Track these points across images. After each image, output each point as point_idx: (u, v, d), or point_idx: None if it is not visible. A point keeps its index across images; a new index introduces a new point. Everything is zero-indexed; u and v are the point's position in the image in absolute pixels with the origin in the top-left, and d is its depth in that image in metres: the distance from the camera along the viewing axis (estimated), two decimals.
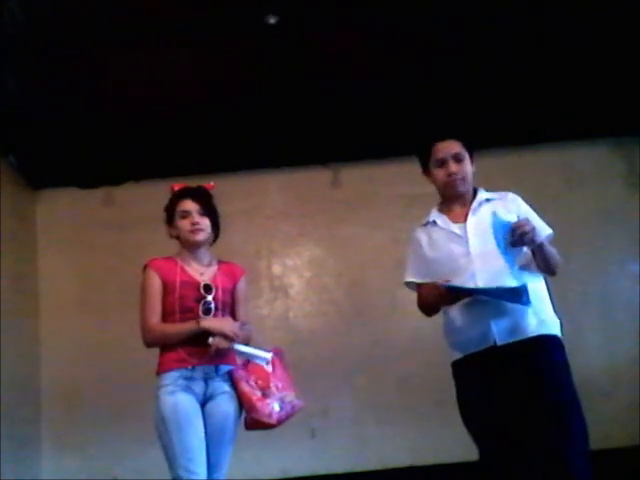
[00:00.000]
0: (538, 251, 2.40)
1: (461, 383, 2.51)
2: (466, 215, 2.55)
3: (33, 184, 5.33)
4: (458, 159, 2.55)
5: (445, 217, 2.60)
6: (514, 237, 2.32)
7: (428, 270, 2.55)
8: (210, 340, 2.62)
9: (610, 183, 5.36)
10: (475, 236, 2.48)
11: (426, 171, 2.65)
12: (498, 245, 2.41)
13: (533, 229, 2.32)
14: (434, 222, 2.61)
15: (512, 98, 4.74)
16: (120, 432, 4.93)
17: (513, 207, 2.52)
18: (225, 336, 2.63)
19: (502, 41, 4.23)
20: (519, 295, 2.34)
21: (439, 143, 2.58)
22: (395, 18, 4.00)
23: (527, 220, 2.37)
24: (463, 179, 2.56)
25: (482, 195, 2.60)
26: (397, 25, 4.06)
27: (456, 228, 2.54)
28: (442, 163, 2.56)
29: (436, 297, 2.44)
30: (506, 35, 4.19)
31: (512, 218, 2.45)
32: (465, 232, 2.50)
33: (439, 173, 2.58)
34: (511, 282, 2.38)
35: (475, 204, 2.56)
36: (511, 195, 2.59)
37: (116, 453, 4.98)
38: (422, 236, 2.63)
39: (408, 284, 2.66)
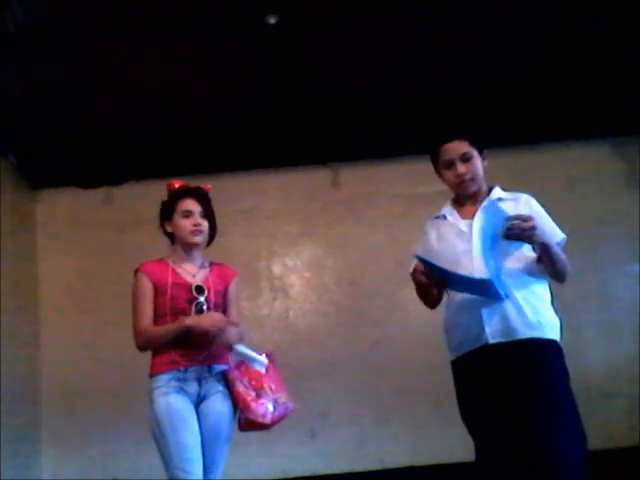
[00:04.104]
0: (543, 252, 2.37)
1: (459, 382, 2.52)
2: (475, 212, 2.52)
3: (33, 184, 5.33)
4: (465, 159, 2.54)
5: (455, 213, 2.60)
6: (510, 230, 2.26)
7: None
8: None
9: (610, 183, 5.36)
10: None
11: (438, 171, 2.64)
12: (483, 243, 2.35)
13: (533, 227, 2.27)
14: (444, 216, 2.62)
15: (512, 98, 4.74)
16: (120, 432, 4.93)
17: (525, 209, 2.47)
18: (208, 332, 2.63)
19: (502, 41, 4.23)
20: (487, 288, 2.32)
21: (446, 145, 2.57)
22: (395, 18, 4.00)
23: (531, 217, 2.30)
24: (472, 179, 2.54)
25: (495, 193, 2.58)
26: (397, 25, 4.06)
27: (463, 225, 2.53)
28: (450, 164, 2.55)
29: (419, 275, 2.44)
30: (506, 35, 4.19)
31: None
32: (471, 229, 2.47)
33: (448, 174, 2.58)
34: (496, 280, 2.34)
35: (486, 202, 2.54)
36: (524, 197, 2.56)
37: (116, 453, 4.98)
38: (431, 229, 2.62)
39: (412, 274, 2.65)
